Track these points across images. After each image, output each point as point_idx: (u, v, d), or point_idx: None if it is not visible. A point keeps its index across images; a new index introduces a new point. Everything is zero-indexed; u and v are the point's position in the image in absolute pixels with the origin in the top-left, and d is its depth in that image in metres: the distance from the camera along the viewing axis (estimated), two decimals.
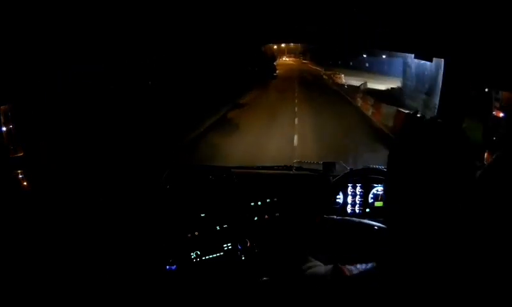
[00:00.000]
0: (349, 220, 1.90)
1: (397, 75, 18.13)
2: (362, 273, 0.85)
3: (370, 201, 1.94)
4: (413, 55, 1.64)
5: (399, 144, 0.78)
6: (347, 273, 0.87)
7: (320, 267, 1.07)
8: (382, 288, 0.75)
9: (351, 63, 32.45)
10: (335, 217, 1.87)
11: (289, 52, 76.82)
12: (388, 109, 10.82)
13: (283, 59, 74.37)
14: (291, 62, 64.34)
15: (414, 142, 0.75)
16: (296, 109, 12.59)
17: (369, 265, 0.86)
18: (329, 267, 0.97)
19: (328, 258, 1.45)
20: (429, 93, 10.12)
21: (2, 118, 1.67)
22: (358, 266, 0.91)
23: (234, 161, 4.73)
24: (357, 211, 1.94)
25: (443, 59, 1.61)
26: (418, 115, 0.81)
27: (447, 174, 0.71)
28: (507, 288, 0.66)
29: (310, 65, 48.95)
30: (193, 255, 1.74)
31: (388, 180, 0.82)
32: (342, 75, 22.89)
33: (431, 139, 0.73)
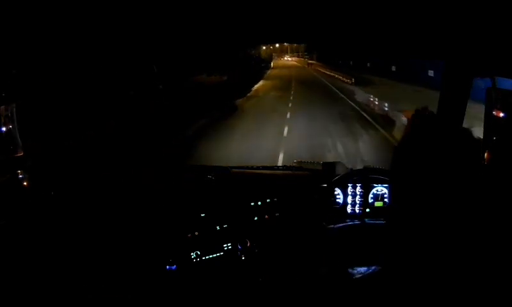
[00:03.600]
0: (349, 224, 1.90)
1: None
2: (368, 275, 0.85)
3: (370, 201, 1.94)
4: None
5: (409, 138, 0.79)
6: (354, 275, 0.88)
7: (323, 269, 1.07)
8: (389, 288, 0.75)
9: (394, 68, 17.49)
10: (334, 225, 1.87)
11: (292, 51, 73.20)
12: None
13: (285, 59, 70.49)
14: (293, 63, 52.61)
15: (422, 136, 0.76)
16: None
17: (372, 267, 0.87)
18: (333, 268, 0.97)
19: (329, 261, 1.46)
20: None
21: (2, 118, 1.67)
22: (361, 269, 0.91)
23: None
24: (357, 211, 1.94)
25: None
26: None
27: (452, 165, 0.72)
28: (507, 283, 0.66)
29: (320, 69, 32.07)
30: (193, 255, 1.74)
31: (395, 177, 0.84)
32: None
33: (436, 135, 0.74)
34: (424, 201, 0.72)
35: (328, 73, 27.35)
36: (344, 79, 21.03)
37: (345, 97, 15.18)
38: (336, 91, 17.81)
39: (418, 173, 0.75)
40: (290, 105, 13.20)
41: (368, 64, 22.96)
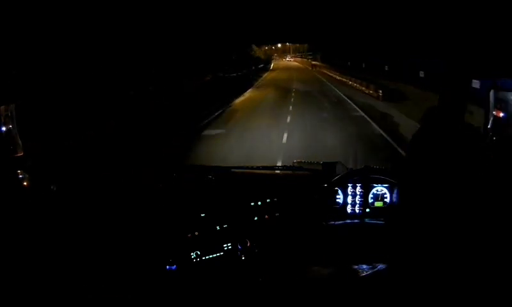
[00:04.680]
0: (349, 223, 1.91)
1: None
2: (374, 273, 0.85)
3: (370, 201, 1.94)
4: None
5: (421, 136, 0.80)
6: (361, 274, 0.87)
7: (325, 268, 1.07)
8: (396, 286, 0.75)
9: (422, 73, 12.26)
10: (334, 222, 1.88)
11: (295, 51, 71.61)
12: None
13: (286, 59, 69.24)
14: (295, 64, 48.83)
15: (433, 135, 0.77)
16: None
17: (378, 265, 0.86)
18: (337, 267, 0.97)
19: (330, 260, 1.46)
20: None
21: (2, 118, 1.67)
22: (365, 266, 0.91)
23: None
24: (357, 211, 1.94)
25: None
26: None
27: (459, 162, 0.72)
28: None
29: (326, 72, 26.81)
30: (193, 255, 1.74)
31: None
32: None
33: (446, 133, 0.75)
34: (429, 201, 0.72)
35: (337, 78, 21.23)
36: (364, 89, 14.95)
37: (385, 135, 8.04)
38: (363, 115, 10.52)
39: (425, 173, 0.76)
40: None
41: (386, 68, 17.01)
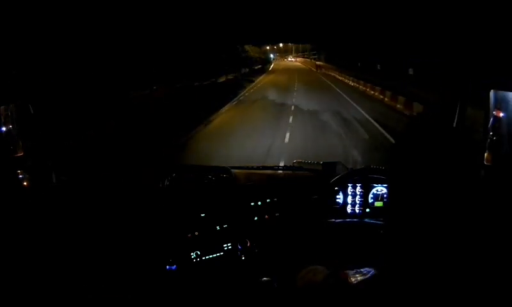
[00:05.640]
0: (349, 221, 1.91)
1: None
2: (365, 280, 0.85)
3: (370, 201, 1.94)
4: None
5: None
6: (351, 280, 0.87)
7: (319, 272, 1.07)
8: (385, 294, 0.75)
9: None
10: (334, 220, 1.88)
11: (297, 51, 70.32)
12: None
13: (288, 59, 68.05)
14: (297, 65, 45.47)
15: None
16: None
17: (370, 270, 0.87)
18: (330, 272, 0.97)
19: (328, 260, 1.45)
20: None
21: (2, 118, 1.67)
22: (357, 270, 0.91)
23: None
24: (357, 211, 1.94)
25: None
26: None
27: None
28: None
29: (334, 74, 23.34)
30: (193, 255, 1.74)
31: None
32: None
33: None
34: (424, 201, 0.72)
35: (350, 83, 16.84)
36: (400, 107, 10.26)
37: None
38: None
39: (418, 172, 0.76)
40: None
41: (410, 71, 12.62)
